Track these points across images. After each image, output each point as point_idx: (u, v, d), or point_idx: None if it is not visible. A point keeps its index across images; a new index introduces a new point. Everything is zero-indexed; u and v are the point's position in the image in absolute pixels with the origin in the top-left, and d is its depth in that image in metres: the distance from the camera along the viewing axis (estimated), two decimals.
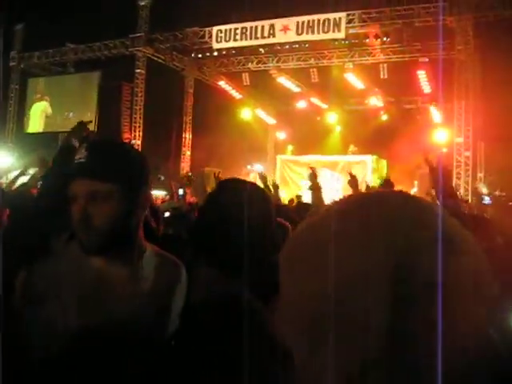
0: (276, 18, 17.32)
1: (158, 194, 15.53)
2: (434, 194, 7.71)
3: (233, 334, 1.34)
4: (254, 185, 1.78)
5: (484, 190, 14.79)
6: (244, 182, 1.78)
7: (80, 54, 21.69)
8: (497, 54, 15.01)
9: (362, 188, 10.83)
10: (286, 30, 17.25)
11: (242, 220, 1.53)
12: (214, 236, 1.59)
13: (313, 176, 4.76)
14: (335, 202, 0.74)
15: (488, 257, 0.69)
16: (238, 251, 1.51)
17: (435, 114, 20.30)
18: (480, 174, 18.85)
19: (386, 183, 4.48)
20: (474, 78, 16.45)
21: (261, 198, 1.70)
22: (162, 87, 20.34)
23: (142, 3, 19.79)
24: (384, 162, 22.08)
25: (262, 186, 5.16)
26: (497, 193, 15.88)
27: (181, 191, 9.73)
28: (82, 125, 2.44)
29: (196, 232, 1.69)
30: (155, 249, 1.78)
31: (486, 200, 13.12)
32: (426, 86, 18.26)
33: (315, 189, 4.62)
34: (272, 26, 17.43)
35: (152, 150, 20.08)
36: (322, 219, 0.72)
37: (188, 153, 22.34)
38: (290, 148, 25.05)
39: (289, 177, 22.48)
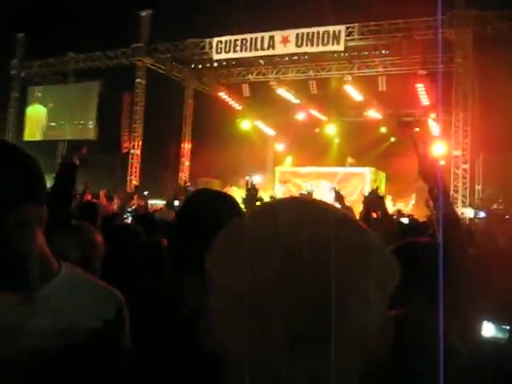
0: (276, 29, 17.43)
1: (156, 203, 15.56)
2: (431, 205, 7.74)
3: None
4: (224, 193, 1.81)
5: (470, 212, 14.75)
6: (216, 190, 1.85)
7: (81, 63, 21.82)
8: (495, 67, 15.08)
9: (361, 198, 10.89)
10: (285, 41, 17.36)
11: (217, 226, 1.55)
12: (191, 243, 1.57)
13: (339, 197, 5.08)
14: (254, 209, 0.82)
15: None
16: None
17: (433, 126, 20.38)
18: (478, 187, 18.89)
19: (373, 194, 4.52)
20: (473, 91, 16.54)
21: (233, 204, 1.71)
22: (162, 97, 20.44)
23: (143, 14, 19.93)
24: (382, 175, 22.13)
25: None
26: (495, 206, 15.87)
27: (176, 203, 9.72)
28: (81, 144, 2.45)
29: (173, 240, 1.69)
30: (83, 276, 1.50)
31: (481, 214, 13.12)
32: (424, 99, 18.34)
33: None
34: (272, 38, 17.53)
35: (151, 159, 20.18)
36: (239, 222, 0.78)
37: (187, 163, 22.37)
38: (288, 159, 25.09)
39: (287, 188, 22.52)
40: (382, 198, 4.41)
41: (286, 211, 0.75)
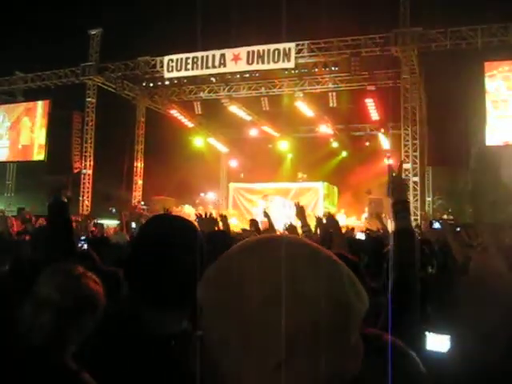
0: (227, 47, 17.55)
1: (110, 223, 15.27)
2: (383, 218, 7.89)
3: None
4: (182, 218, 1.79)
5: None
6: (173, 216, 1.85)
7: (29, 82, 21.42)
8: (441, 82, 15.59)
9: (313, 214, 11.02)
10: (236, 59, 17.49)
11: (175, 254, 1.57)
12: (149, 271, 1.57)
13: (301, 212, 5.12)
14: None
15: None
16: (173, 285, 1.53)
17: (383, 140, 20.82)
18: (428, 199, 19.36)
19: (330, 220, 4.60)
20: (420, 105, 17.04)
21: (191, 230, 1.70)
22: (113, 116, 20.20)
23: (93, 32, 19.75)
24: (335, 189, 22.46)
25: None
26: (445, 216, 16.30)
27: (133, 225, 9.55)
28: (63, 182, 2.42)
29: (130, 268, 1.66)
30: None
31: (436, 225, 13.36)
32: (374, 114, 18.72)
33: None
34: (223, 56, 17.64)
35: (103, 179, 19.87)
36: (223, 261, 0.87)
37: (140, 182, 22.13)
38: (242, 176, 25.16)
39: (241, 204, 22.58)
40: (337, 222, 4.50)
41: (270, 249, 0.83)
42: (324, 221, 5.10)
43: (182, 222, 1.73)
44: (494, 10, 15.11)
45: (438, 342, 2.40)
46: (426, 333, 2.46)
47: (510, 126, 15.97)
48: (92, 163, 20.50)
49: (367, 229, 11.70)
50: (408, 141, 16.59)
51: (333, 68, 17.50)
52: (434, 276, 4.51)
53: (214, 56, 17.76)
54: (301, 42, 16.99)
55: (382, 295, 2.52)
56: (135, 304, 1.58)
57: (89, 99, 20.23)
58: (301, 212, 5.19)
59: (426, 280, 3.75)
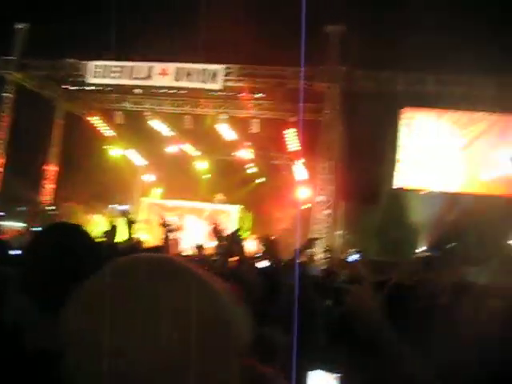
0: (155, 60, 17.43)
1: (14, 225, 14.65)
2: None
3: None
4: (80, 229, 1.77)
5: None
6: (71, 224, 1.82)
7: None
8: (359, 121, 16.18)
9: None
10: (164, 74, 17.39)
11: (72, 264, 1.54)
12: (46, 281, 1.54)
13: (218, 232, 4.99)
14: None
15: None
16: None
17: (300, 171, 21.22)
18: (339, 232, 19.85)
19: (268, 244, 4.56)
20: (338, 141, 17.55)
21: (85, 241, 1.69)
22: (31, 115, 19.42)
23: (19, 26, 19.04)
24: (249, 214, 22.60)
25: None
26: (352, 250, 16.76)
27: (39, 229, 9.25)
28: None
29: (28, 277, 1.61)
30: None
31: (354, 257, 13.57)
32: (293, 144, 19.09)
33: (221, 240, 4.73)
34: (150, 69, 17.49)
35: (15, 179, 18.98)
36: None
37: (50, 186, 21.33)
38: (158, 191, 24.84)
39: (154, 220, 22.24)
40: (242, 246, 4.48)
41: (145, 271, 0.79)
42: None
43: (79, 233, 1.70)
44: (416, 59, 15.94)
45: (323, 381, 2.27)
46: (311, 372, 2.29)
47: (420, 171, 16.81)
48: (4, 161, 19.57)
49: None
50: (323, 174, 17.01)
51: (258, 95, 17.76)
52: (329, 309, 4.58)
53: (141, 67, 17.57)
54: (230, 65, 17.16)
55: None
56: (28, 314, 1.52)
57: (6, 94, 19.40)
58: (218, 233, 5.15)
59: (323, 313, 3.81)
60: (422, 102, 16.52)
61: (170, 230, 5.33)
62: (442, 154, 16.77)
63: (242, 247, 4.44)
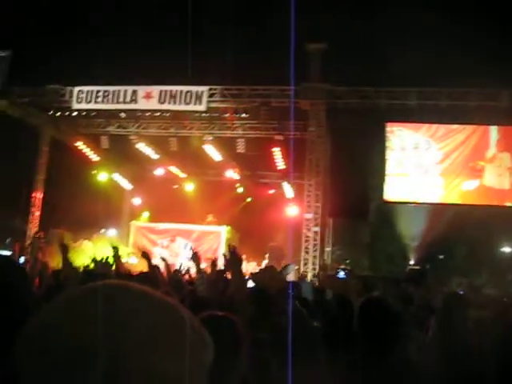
0: (139, 84, 17.47)
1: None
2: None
3: None
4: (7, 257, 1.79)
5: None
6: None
7: None
8: (345, 137, 16.29)
9: (213, 257, 10.93)
10: (148, 97, 17.42)
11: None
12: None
13: (196, 258, 5.02)
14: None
15: None
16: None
17: (288, 189, 21.26)
18: (328, 249, 19.86)
19: (233, 252, 4.39)
20: (325, 158, 17.63)
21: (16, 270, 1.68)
22: (16, 143, 19.31)
23: (2, 54, 19.01)
24: (237, 235, 22.53)
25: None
26: (342, 266, 16.78)
27: (22, 259, 9.17)
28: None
29: None
30: None
31: (341, 274, 13.60)
32: (280, 163, 19.14)
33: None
34: (135, 92, 17.51)
35: (1, 208, 18.83)
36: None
37: (37, 213, 21.15)
38: (146, 214, 24.73)
39: (142, 244, 22.11)
40: (240, 260, 4.28)
41: (99, 299, 0.76)
42: (227, 256, 4.92)
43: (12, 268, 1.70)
44: (398, 74, 16.13)
45: None
46: None
47: (403, 184, 16.91)
48: None
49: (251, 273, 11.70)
50: (311, 191, 17.06)
51: (243, 115, 17.81)
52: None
53: (125, 91, 17.60)
54: (214, 87, 17.24)
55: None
56: None
57: None
58: (196, 259, 5.21)
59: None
60: (405, 116, 16.68)
61: (149, 259, 5.38)
62: (420, 167, 16.92)
63: (239, 259, 4.26)
